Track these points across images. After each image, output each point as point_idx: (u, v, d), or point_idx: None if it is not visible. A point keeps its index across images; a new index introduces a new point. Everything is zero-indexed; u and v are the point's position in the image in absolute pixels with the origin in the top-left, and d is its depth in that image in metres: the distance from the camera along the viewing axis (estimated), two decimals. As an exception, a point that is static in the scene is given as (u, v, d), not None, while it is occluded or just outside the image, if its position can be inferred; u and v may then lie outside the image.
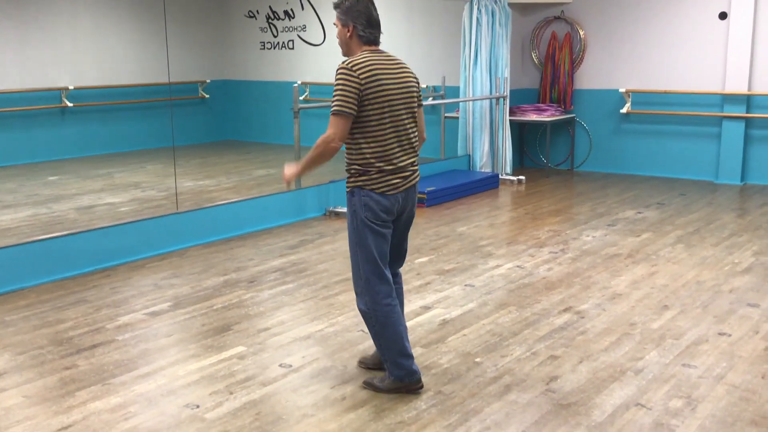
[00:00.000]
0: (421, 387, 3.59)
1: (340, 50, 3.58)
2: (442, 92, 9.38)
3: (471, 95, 9.01)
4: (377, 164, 3.41)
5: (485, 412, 3.40)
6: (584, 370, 3.82)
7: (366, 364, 3.84)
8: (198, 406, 3.46)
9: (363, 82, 3.33)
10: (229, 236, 6.55)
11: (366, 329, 4.34)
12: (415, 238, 6.44)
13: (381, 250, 3.48)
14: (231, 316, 4.64)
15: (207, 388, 3.64)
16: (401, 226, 3.62)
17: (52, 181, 8.96)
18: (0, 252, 5.19)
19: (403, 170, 3.49)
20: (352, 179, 3.47)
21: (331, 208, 7.36)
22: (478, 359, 3.97)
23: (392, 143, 3.45)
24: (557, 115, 9.61)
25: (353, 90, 3.32)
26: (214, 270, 5.60)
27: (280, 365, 3.90)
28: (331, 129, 3.35)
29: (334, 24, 3.55)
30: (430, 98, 9.78)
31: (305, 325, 4.46)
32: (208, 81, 12.07)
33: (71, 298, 5.00)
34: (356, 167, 3.44)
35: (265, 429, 3.26)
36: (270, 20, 11.76)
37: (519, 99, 9.97)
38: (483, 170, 9.15)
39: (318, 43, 11.28)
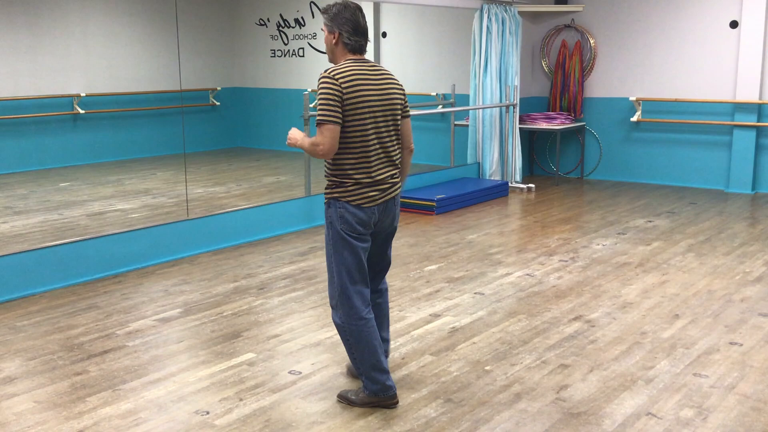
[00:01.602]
0: (396, 403, 3.52)
1: None
2: (452, 100, 9.39)
3: (481, 103, 9.01)
4: (354, 176, 3.36)
5: (495, 420, 3.39)
6: (594, 379, 3.81)
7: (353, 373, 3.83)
8: (208, 413, 3.47)
9: (344, 90, 3.29)
10: (239, 243, 6.56)
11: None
12: (424, 246, 6.44)
13: (357, 263, 3.42)
14: (241, 322, 4.65)
15: (217, 395, 3.65)
16: (381, 239, 3.56)
17: (63, 187, 9.00)
18: (11, 258, 5.22)
19: (382, 183, 3.43)
20: (328, 190, 3.43)
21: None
22: (487, 367, 3.97)
23: (371, 155, 3.38)
24: (567, 124, 9.60)
25: (336, 98, 3.28)
26: (224, 276, 5.61)
27: (290, 372, 3.91)
28: (319, 137, 3.29)
29: (322, 29, 3.52)
30: (440, 106, 9.80)
31: (315, 332, 4.47)
32: (218, 88, 12.12)
33: (82, 304, 5.02)
34: (333, 178, 3.40)
35: (275, 436, 3.27)
36: (280, 28, 11.80)
37: (529, 107, 9.97)
38: (493, 178, 9.15)
39: (328, 51, 11.30)
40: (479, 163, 9.22)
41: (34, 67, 9.96)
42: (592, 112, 9.90)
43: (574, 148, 10.08)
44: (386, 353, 3.67)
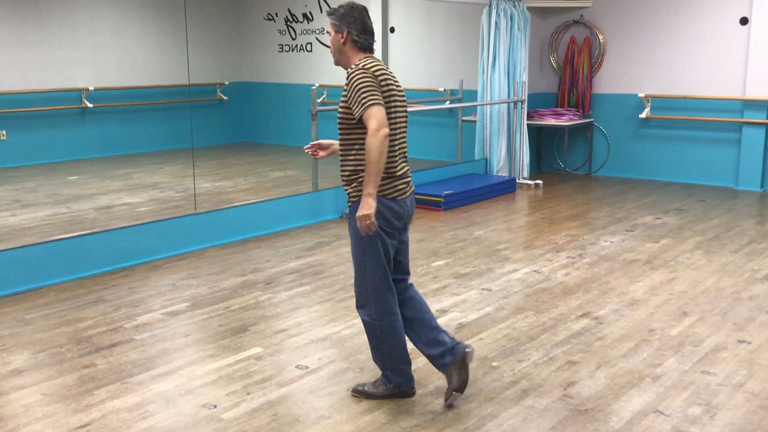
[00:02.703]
0: (414, 392, 3.58)
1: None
2: (459, 96, 9.37)
3: (489, 99, 8.99)
4: (388, 170, 3.36)
5: (502, 416, 3.39)
6: (602, 376, 3.80)
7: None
8: (215, 406, 3.47)
9: (381, 83, 3.30)
10: (246, 237, 6.57)
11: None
12: (432, 242, 6.43)
13: (388, 260, 3.44)
14: (248, 317, 4.66)
15: (224, 389, 3.66)
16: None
17: (71, 180, 9.03)
18: (20, 251, 5.24)
19: (406, 176, 3.47)
20: (360, 187, 3.37)
21: (347, 211, 7.36)
22: (495, 364, 3.96)
23: (397, 149, 3.40)
24: (575, 120, 9.58)
25: (376, 86, 3.26)
26: (232, 271, 5.62)
27: (297, 366, 3.91)
28: (373, 120, 3.17)
29: (327, 32, 3.48)
30: (448, 102, 9.78)
31: (322, 327, 4.47)
32: (226, 83, 12.13)
33: (90, 297, 5.03)
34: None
35: (282, 430, 3.27)
36: (288, 23, 11.79)
37: (537, 103, 9.94)
38: (500, 174, 9.13)
39: (336, 46, 11.29)
40: (487, 159, 9.20)
41: (43, 60, 9.98)
42: (600, 109, 9.87)
43: (582, 145, 10.05)
44: (447, 335, 3.55)
